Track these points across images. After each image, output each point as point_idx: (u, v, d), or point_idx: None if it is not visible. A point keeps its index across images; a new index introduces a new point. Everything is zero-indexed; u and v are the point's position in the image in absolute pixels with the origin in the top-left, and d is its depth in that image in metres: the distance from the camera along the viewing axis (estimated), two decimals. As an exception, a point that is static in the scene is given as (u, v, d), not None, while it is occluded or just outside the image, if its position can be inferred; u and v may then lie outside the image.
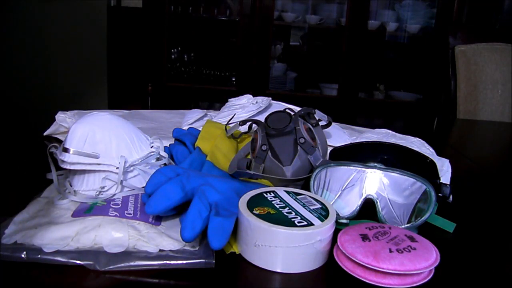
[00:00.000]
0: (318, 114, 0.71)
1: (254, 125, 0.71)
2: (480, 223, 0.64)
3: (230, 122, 0.79)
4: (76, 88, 1.89)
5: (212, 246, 0.44)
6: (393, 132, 0.87)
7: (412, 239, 0.48)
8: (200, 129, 0.76)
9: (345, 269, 0.46)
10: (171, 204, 0.49)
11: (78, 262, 0.44)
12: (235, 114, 0.84)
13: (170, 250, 0.47)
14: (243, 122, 0.74)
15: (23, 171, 0.67)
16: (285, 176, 0.62)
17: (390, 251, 0.45)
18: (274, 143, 0.63)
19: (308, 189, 0.58)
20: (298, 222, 0.47)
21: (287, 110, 0.67)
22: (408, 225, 0.55)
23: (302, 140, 0.63)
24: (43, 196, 0.56)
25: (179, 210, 0.52)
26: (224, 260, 0.47)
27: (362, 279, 0.45)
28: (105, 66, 2.20)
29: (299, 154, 0.62)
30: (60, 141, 0.61)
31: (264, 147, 0.63)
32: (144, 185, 0.59)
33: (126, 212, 0.51)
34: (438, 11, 2.39)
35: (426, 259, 0.45)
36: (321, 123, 0.71)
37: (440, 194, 0.58)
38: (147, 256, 0.46)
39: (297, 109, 0.83)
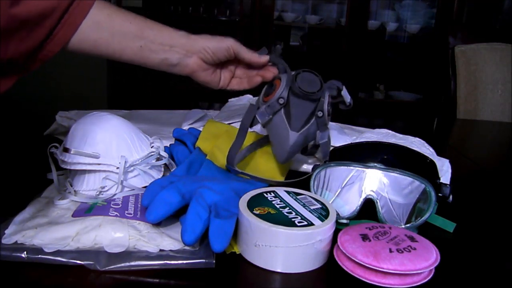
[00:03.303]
0: (343, 92, 0.67)
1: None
2: (480, 223, 0.64)
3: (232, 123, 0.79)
4: (76, 88, 1.89)
5: (214, 249, 0.45)
6: (393, 132, 0.87)
7: (412, 239, 0.48)
8: (200, 129, 0.76)
9: (345, 269, 0.46)
10: (171, 209, 0.49)
11: (78, 262, 0.44)
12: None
13: (170, 250, 0.47)
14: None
15: (23, 171, 0.67)
16: (287, 140, 0.59)
17: (390, 251, 0.45)
18: (294, 102, 0.59)
19: (306, 189, 0.58)
20: (298, 222, 0.47)
21: (318, 75, 0.62)
22: (408, 225, 0.55)
23: (320, 114, 0.60)
24: (44, 196, 0.56)
25: (179, 212, 0.52)
26: (224, 260, 0.47)
27: (362, 279, 0.45)
28: (105, 66, 2.19)
29: (310, 125, 0.60)
30: (60, 141, 0.61)
31: (281, 101, 0.59)
32: (144, 185, 0.59)
33: (126, 212, 0.51)
34: (438, 11, 2.38)
35: (426, 259, 0.45)
36: (346, 102, 0.67)
37: (440, 194, 0.58)
38: (148, 256, 0.46)
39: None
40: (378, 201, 0.55)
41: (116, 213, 0.51)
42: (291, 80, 0.60)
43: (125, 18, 0.59)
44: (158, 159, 0.62)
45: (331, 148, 0.69)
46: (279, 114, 0.60)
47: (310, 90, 0.58)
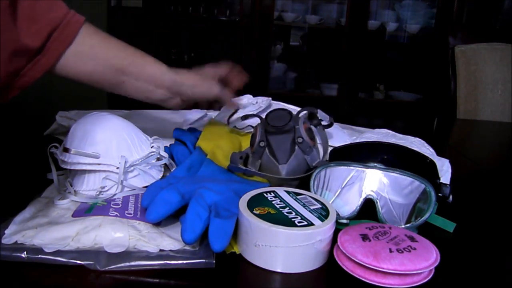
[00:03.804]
0: (320, 114, 0.71)
1: (257, 119, 0.71)
2: (480, 223, 0.64)
3: (231, 116, 0.79)
4: (76, 88, 1.89)
5: (214, 249, 0.45)
6: (393, 132, 0.87)
7: (412, 239, 0.48)
8: (200, 129, 0.76)
9: (345, 269, 0.46)
10: (171, 208, 0.49)
11: (78, 262, 0.44)
12: (236, 110, 0.84)
13: (170, 250, 0.47)
14: (244, 117, 0.74)
15: (23, 171, 0.67)
16: (280, 174, 0.62)
17: (390, 251, 0.45)
18: (272, 140, 0.63)
19: (306, 189, 0.58)
20: (298, 222, 0.47)
21: (288, 109, 0.67)
22: (408, 225, 0.55)
23: (300, 140, 0.63)
24: (44, 196, 0.56)
25: (179, 212, 0.52)
26: (224, 260, 0.47)
27: (362, 279, 0.45)
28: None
29: (296, 154, 0.62)
30: (60, 141, 0.61)
31: (262, 144, 0.64)
32: (144, 185, 0.59)
33: (126, 212, 0.51)
34: (438, 11, 2.38)
35: (426, 259, 0.45)
36: (323, 123, 0.71)
37: (440, 194, 0.58)
38: (148, 256, 0.46)
39: (297, 109, 0.83)
40: (378, 201, 0.55)
41: (116, 213, 0.51)
42: (264, 123, 0.65)
43: (109, 51, 0.57)
44: (158, 159, 0.62)
45: (331, 148, 0.69)
46: (265, 155, 0.64)
47: (280, 124, 0.63)
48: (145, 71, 0.59)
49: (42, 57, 0.52)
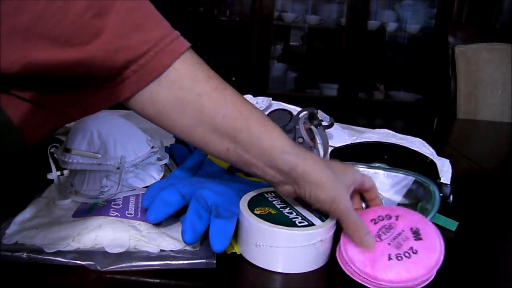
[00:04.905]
0: (320, 115, 0.71)
1: None
2: (480, 223, 0.64)
3: None
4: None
5: (214, 249, 0.45)
6: (393, 132, 0.87)
7: (417, 235, 0.46)
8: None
9: (345, 271, 0.46)
10: (171, 209, 0.49)
11: (79, 262, 0.44)
12: None
13: (171, 250, 0.47)
14: None
15: (23, 171, 0.67)
16: None
17: (389, 258, 0.44)
18: None
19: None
20: (299, 222, 0.47)
21: (288, 109, 0.68)
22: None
23: (300, 140, 0.63)
24: (44, 197, 0.56)
25: (180, 212, 0.52)
26: (225, 260, 0.47)
27: (361, 283, 0.45)
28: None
29: None
30: (60, 141, 0.61)
31: None
32: (144, 185, 0.59)
33: (126, 212, 0.51)
34: (438, 11, 2.38)
35: (424, 265, 0.44)
36: (323, 123, 0.71)
37: (440, 194, 0.58)
38: (148, 256, 0.46)
39: (297, 109, 0.83)
40: (381, 201, 0.55)
41: (116, 213, 0.51)
42: None
43: (219, 106, 0.42)
44: (158, 159, 0.62)
45: (331, 148, 0.69)
46: None
47: (280, 124, 0.64)
48: (260, 145, 0.43)
49: (112, 87, 0.41)
